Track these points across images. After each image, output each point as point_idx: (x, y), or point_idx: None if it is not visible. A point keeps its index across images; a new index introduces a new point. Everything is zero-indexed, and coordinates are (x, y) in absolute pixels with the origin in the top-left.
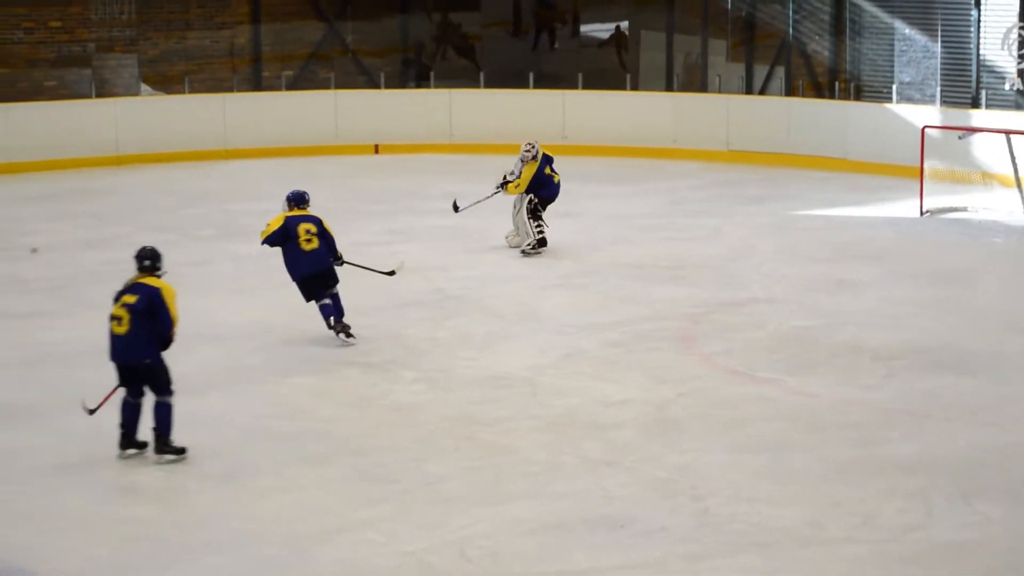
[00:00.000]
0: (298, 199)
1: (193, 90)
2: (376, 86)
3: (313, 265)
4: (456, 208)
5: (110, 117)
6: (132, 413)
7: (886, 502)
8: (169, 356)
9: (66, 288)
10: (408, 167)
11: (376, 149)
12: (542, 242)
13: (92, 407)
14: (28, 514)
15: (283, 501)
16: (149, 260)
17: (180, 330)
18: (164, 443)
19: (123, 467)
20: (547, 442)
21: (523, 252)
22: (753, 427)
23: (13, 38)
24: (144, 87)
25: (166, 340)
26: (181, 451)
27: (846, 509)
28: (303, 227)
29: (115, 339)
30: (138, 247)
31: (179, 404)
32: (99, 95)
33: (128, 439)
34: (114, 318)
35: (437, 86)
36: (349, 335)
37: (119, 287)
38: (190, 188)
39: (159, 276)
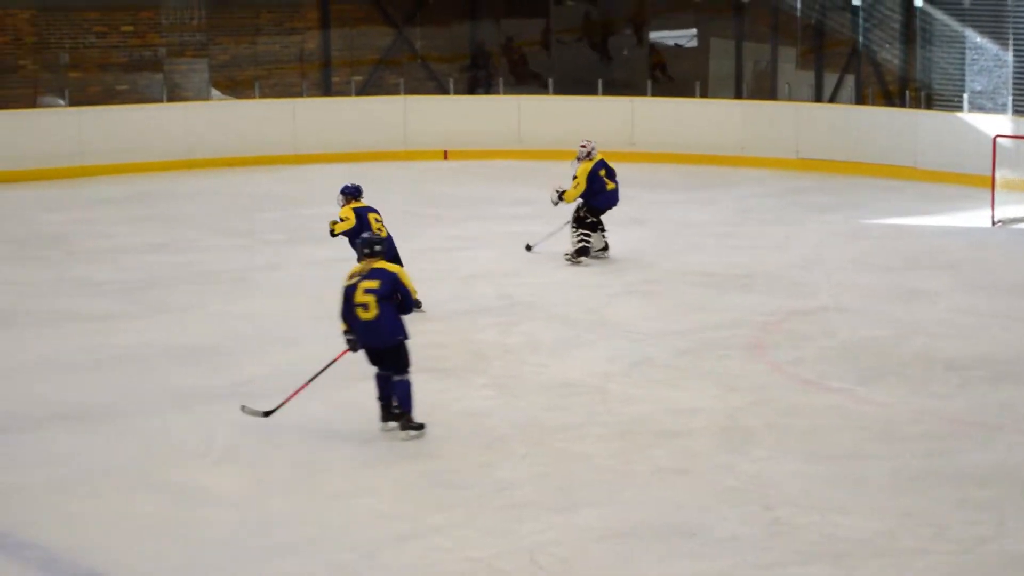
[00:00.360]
0: (356, 191)
1: (263, 95)
2: (445, 92)
3: (389, 251)
4: (529, 248)
5: (181, 121)
6: (387, 385)
7: (959, 513)
8: (240, 360)
9: (138, 291)
10: (477, 173)
11: (445, 155)
12: (582, 251)
13: (268, 409)
14: (100, 516)
15: (354, 506)
16: (379, 245)
17: (251, 334)
18: (408, 420)
19: (195, 470)
20: (617, 449)
21: (566, 259)
22: (824, 436)
23: (85, 42)
24: (214, 92)
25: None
26: (421, 427)
27: (919, 520)
28: (372, 216)
29: (365, 325)
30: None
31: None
32: (170, 99)
33: (388, 411)
34: (359, 305)
35: (506, 92)
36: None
37: (348, 279)
38: (260, 192)
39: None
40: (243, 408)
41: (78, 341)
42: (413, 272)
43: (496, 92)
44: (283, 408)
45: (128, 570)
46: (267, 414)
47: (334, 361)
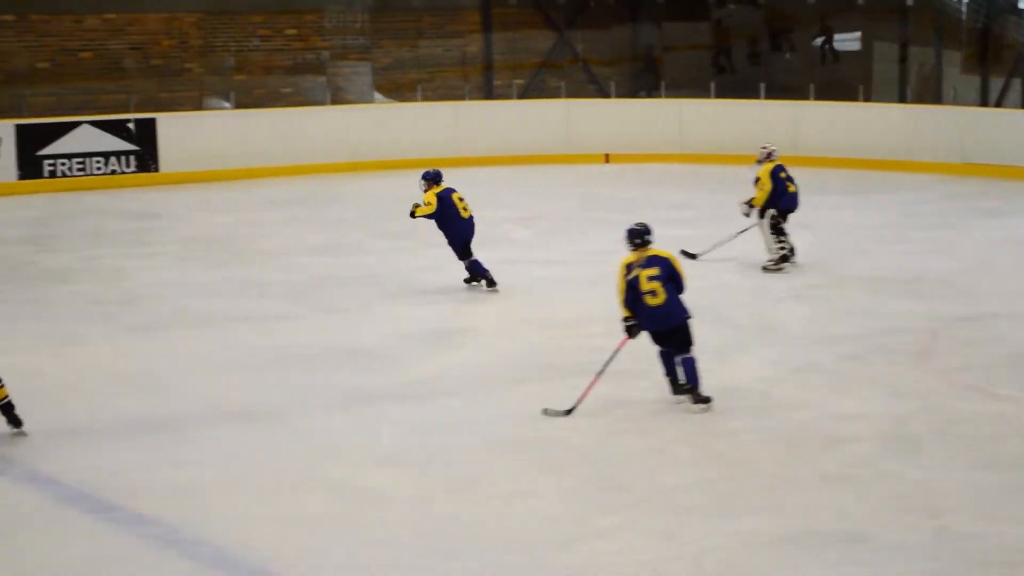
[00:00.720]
0: (437, 176)
1: (425, 98)
2: (606, 95)
3: (472, 230)
4: (694, 257)
5: (344, 124)
6: (671, 361)
7: None
8: (404, 362)
9: (304, 292)
10: (639, 176)
11: (607, 158)
12: (784, 258)
13: (568, 408)
14: (267, 514)
15: (519, 508)
16: (649, 234)
17: (415, 335)
18: (697, 394)
19: (360, 470)
20: (782, 455)
21: (764, 269)
22: (993, 445)
23: (250, 46)
24: (377, 95)
25: None
26: (709, 399)
27: None
28: (455, 196)
29: (654, 310)
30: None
31: (417, 409)
32: (334, 102)
33: (676, 385)
34: (646, 293)
35: (668, 96)
36: (493, 283)
37: (626, 271)
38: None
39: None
40: (545, 411)
41: (245, 341)
42: (575, 275)
43: (658, 95)
44: (453, 410)
45: (294, 568)
46: (568, 412)
47: (618, 349)
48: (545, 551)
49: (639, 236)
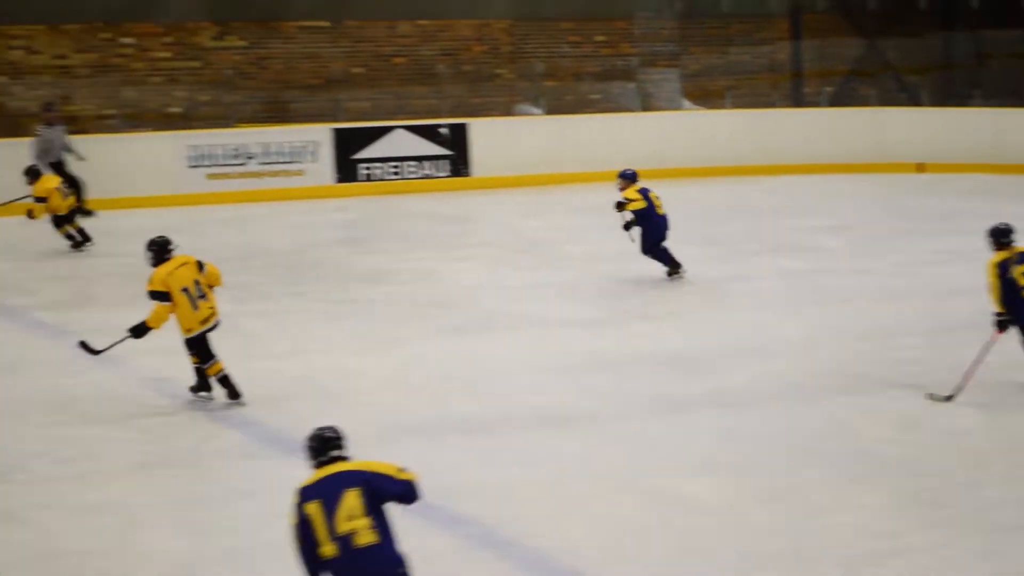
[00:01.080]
0: (635, 175)
1: (735, 105)
2: (918, 103)
3: (667, 226)
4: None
5: (653, 131)
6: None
7: None
8: (716, 369)
9: (616, 297)
10: (952, 187)
11: (920, 167)
12: None
13: (948, 394)
14: (580, 517)
15: (833, 521)
16: (1014, 232)
17: (727, 342)
18: None
19: (673, 476)
20: None
21: None
22: None
23: (560, 52)
24: (685, 102)
25: None
26: None
27: None
28: (652, 194)
29: None
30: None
31: (730, 417)
32: (643, 109)
33: None
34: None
35: (984, 104)
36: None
37: (1002, 268)
38: (733, 203)
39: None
40: (929, 395)
41: (559, 345)
42: (888, 285)
43: (973, 104)
44: (765, 419)
45: (609, 572)
46: (948, 398)
47: (991, 342)
48: (861, 565)
49: (1006, 235)
